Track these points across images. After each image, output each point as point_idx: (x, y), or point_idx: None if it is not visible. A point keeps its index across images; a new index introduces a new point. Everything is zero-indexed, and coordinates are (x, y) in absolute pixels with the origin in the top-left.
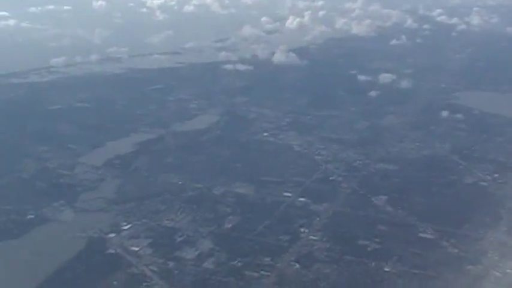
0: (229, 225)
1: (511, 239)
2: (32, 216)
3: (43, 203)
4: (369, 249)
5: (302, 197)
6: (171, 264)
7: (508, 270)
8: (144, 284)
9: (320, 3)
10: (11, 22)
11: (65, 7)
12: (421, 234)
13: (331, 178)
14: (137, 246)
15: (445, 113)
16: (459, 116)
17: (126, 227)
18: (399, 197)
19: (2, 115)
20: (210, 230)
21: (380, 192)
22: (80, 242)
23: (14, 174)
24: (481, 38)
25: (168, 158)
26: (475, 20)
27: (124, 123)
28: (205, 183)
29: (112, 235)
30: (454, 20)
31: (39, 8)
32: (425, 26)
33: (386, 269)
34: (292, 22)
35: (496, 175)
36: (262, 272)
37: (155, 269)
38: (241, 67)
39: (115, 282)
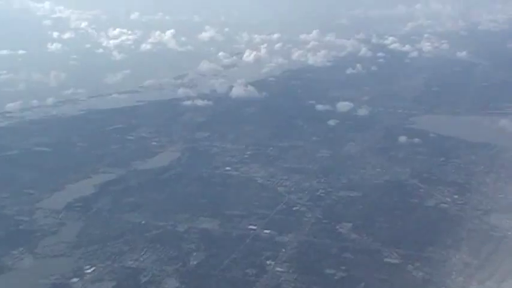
0: (195, 262)
1: (473, 259)
2: None
3: (1, 252)
4: (335, 277)
5: (267, 229)
6: None
7: None
8: None
9: (276, 36)
10: None
11: (20, 51)
12: (386, 260)
13: (294, 208)
14: None
15: (403, 138)
16: (417, 140)
17: (89, 271)
18: (363, 224)
19: None
20: (176, 268)
21: (344, 219)
22: None
23: None
24: (433, 64)
25: (130, 197)
26: (426, 46)
27: (84, 165)
28: (169, 221)
29: (75, 279)
30: (407, 47)
31: None
32: (379, 54)
33: None
34: (249, 56)
35: (455, 196)
36: None
37: None
38: (200, 103)
39: None
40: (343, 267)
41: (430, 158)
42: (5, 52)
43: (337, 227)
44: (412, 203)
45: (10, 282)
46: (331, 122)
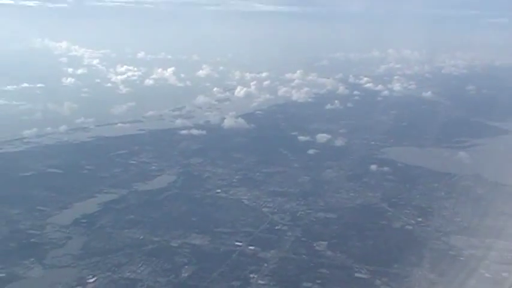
0: (186, 274)
1: (434, 275)
2: (3, 275)
3: (14, 262)
4: None
5: (251, 245)
6: None
7: None
8: None
9: (264, 74)
10: None
11: (38, 85)
12: (356, 275)
13: (277, 227)
14: None
15: (374, 167)
16: (386, 168)
17: (91, 280)
18: (337, 242)
19: None
20: (169, 279)
21: (320, 238)
22: None
23: None
24: (402, 102)
25: (130, 215)
26: (396, 86)
27: (90, 185)
28: (164, 237)
29: None
30: (379, 87)
31: (15, 86)
32: (355, 92)
33: None
34: (240, 91)
35: (419, 219)
36: None
37: None
38: (195, 132)
39: None
40: (319, 281)
41: (397, 185)
42: (25, 85)
43: (314, 244)
44: (381, 224)
45: None
46: (311, 151)
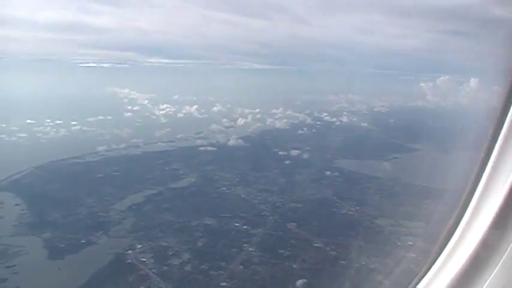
0: (200, 244)
1: (364, 243)
2: (84, 241)
3: (89, 233)
4: (284, 255)
5: (245, 225)
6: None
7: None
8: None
9: (257, 110)
10: (77, 127)
11: (108, 117)
12: (315, 244)
13: (262, 213)
14: (144, 257)
15: (328, 172)
16: (336, 174)
17: (138, 246)
18: (303, 223)
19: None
20: (189, 247)
21: (292, 220)
22: (110, 257)
23: (73, 216)
24: (347, 129)
25: (164, 204)
26: (345, 119)
27: (139, 183)
28: (187, 218)
29: (129, 251)
30: (333, 119)
31: (93, 118)
32: (318, 123)
33: (295, 266)
34: (240, 121)
35: (357, 207)
36: (220, 271)
37: (155, 271)
38: (209, 148)
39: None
40: (289, 249)
41: (343, 185)
42: (100, 117)
43: (287, 225)
44: (332, 211)
45: (93, 251)
46: (287, 162)
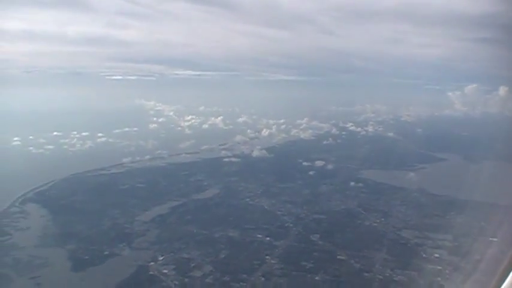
0: (223, 256)
1: (391, 257)
2: (107, 252)
3: (114, 245)
4: (307, 267)
5: (268, 236)
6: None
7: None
8: None
9: (282, 121)
10: (103, 139)
11: (134, 129)
12: (338, 257)
13: (286, 225)
14: (166, 269)
15: (353, 183)
16: (361, 184)
17: (160, 258)
18: (326, 235)
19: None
20: (211, 259)
21: (315, 232)
22: (132, 268)
23: (97, 227)
24: (373, 140)
25: (188, 215)
26: (370, 129)
27: (163, 195)
28: (210, 230)
29: (152, 263)
30: (359, 129)
31: (119, 130)
32: (343, 133)
33: (317, 278)
34: (265, 132)
35: (382, 219)
36: (241, 283)
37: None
38: (233, 159)
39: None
40: (312, 261)
41: (368, 196)
42: (126, 129)
43: (311, 236)
44: (356, 223)
45: (115, 263)
46: (311, 173)
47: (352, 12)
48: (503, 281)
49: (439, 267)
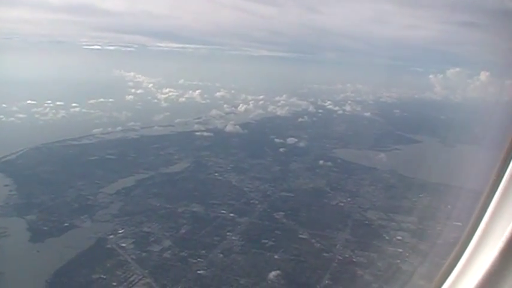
0: (183, 231)
1: (351, 237)
2: (67, 224)
3: (74, 216)
4: (267, 245)
5: (232, 213)
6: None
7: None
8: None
9: (261, 97)
10: (76, 109)
11: (110, 99)
12: (300, 236)
13: (251, 201)
14: (124, 243)
15: (321, 162)
16: (329, 163)
17: (120, 231)
18: (291, 213)
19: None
20: (171, 233)
21: (280, 210)
22: (90, 241)
23: (61, 198)
24: (350, 119)
25: (154, 189)
26: (348, 108)
27: (131, 167)
28: (174, 205)
29: (111, 236)
30: (336, 108)
31: (95, 100)
32: (320, 111)
33: (276, 257)
34: (242, 107)
35: (349, 199)
36: (199, 259)
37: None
38: (205, 134)
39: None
40: (273, 239)
41: (338, 175)
42: (101, 100)
43: (275, 214)
44: (323, 202)
45: (75, 235)
46: (282, 150)
47: None
48: (455, 265)
49: (400, 250)
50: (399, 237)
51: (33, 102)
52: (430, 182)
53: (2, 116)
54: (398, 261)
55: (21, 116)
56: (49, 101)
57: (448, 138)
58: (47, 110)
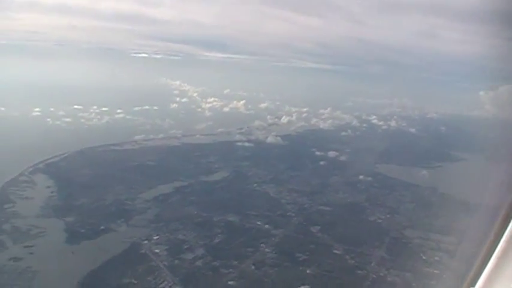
0: (217, 240)
1: (389, 255)
2: (103, 227)
3: (111, 220)
4: (300, 259)
5: (267, 224)
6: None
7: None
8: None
9: (304, 109)
10: (121, 115)
11: (155, 107)
12: (334, 251)
13: (288, 214)
14: (158, 249)
15: (362, 177)
16: (370, 178)
17: (155, 237)
18: (327, 228)
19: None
20: (205, 242)
21: (316, 224)
22: (124, 245)
23: (99, 202)
24: (394, 134)
25: (192, 197)
26: (393, 123)
27: (171, 174)
28: (210, 213)
29: (145, 242)
30: (381, 123)
31: (140, 108)
32: (364, 125)
33: (308, 272)
34: (285, 119)
35: (388, 216)
36: (230, 270)
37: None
38: (247, 144)
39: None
40: (307, 253)
41: (379, 190)
42: (146, 107)
43: (311, 228)
44: (360, 217)
45: (110, 238)
46: (322, 163)
47: (385, 2)
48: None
49: (437, 271)
50: (437, 258)
51: (79, 107)
52: (471, 201)
53: (49, 120)
54: (434, 283)
55: (67, 120)
56: (95, 106)
57: (494, 157)
58: (92, 115)
